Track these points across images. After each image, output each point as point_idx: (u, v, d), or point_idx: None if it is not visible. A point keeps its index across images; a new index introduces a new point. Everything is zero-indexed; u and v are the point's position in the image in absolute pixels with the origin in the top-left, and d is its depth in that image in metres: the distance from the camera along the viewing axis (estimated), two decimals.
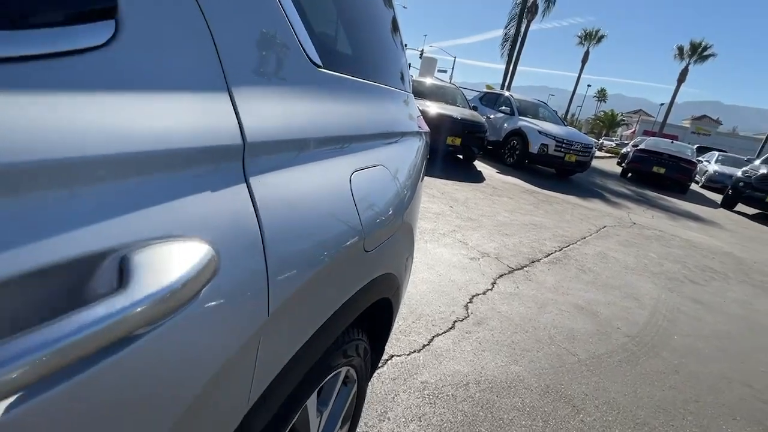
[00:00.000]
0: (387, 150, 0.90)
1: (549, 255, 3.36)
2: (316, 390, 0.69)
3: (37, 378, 0.24)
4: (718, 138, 48.96)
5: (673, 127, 50.43)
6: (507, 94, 9.29)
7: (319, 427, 0.79)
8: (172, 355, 0.35)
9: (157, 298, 0.30)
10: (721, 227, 6.55)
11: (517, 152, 7.95)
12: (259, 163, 0.47)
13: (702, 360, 2.19)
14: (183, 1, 0.40)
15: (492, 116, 8.68)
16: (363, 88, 0.86)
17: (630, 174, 11.14)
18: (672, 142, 11.64)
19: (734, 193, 8.59)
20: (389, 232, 0.82)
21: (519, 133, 7.93)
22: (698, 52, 41.11)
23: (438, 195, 4.49)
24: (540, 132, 7.68)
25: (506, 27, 25.22)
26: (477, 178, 6.27)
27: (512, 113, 8.54)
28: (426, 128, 1.32)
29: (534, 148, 7.63)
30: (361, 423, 1.27)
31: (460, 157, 7.18)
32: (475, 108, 8.20)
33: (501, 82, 26.28)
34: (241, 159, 0.44)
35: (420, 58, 29.39)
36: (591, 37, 47.31)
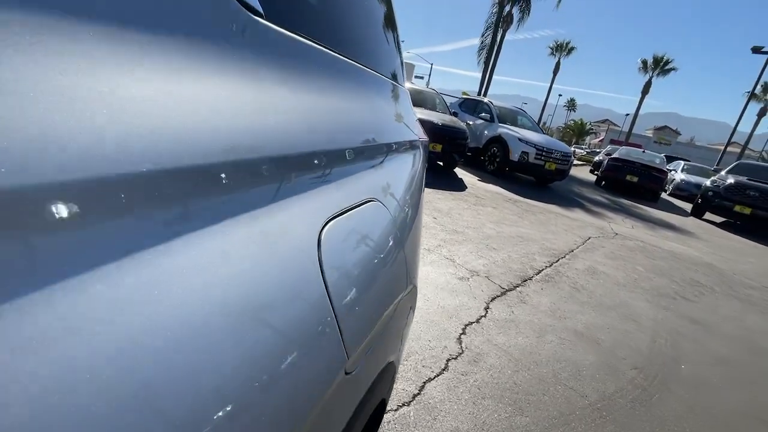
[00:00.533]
0: (379, 173, 0.60)
1: (540, 272, 3.15)
2: None
3: None
4: (678, 147, 51.68)
5: (637, 137, 52.79)
6: (486, 100, 9.15)
7: None
8: None
9: None
10: (696, 237, 6.62)
11: (497, 160, 7.82)
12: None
13: (713, 392, 2.00)
14: None
15: (472, 123, 8.54)
16: (342, 68, 0.53)
17: (604, 182, 11.31)
18: (643, 151, 11.95)
19: (704, 202, 8.78)
20: (386, 321, 0.52)
21: (499, 141, 7.80)
22: (660, 66, 43.25)
23: None
24: (520, 140, 7.58)
25: (483, 35, 25.49)
26: (459, 186, 6.06)
27: (492, 120, 8.43)
28: (425, 136, 1.03)
29: (515, 156, 7.52)
30: None
31: (440, 164, 6.95)
32: (455, 114, 8.02)
33: (478, 89, 26.56)
34: None
35: None
36: (562, 49, 49.00)
